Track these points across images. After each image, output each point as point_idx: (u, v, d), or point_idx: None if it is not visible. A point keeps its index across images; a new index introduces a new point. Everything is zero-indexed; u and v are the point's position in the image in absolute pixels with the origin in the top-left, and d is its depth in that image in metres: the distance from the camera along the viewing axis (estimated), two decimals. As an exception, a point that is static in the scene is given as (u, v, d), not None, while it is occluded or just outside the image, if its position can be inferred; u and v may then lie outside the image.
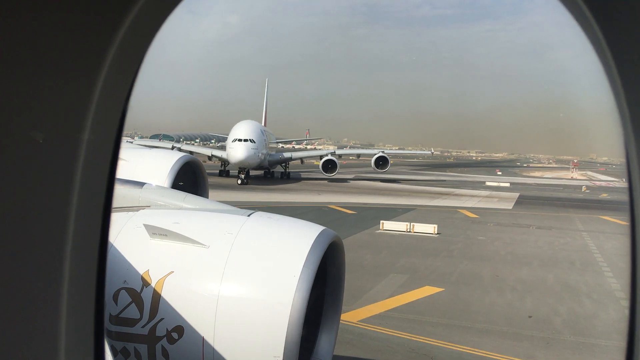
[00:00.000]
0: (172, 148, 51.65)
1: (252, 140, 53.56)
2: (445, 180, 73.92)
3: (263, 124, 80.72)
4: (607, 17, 1.39)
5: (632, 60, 1.38)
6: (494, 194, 57.42)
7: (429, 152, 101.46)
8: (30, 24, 1.48)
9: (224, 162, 62.89)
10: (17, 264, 1.61)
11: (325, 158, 61.54)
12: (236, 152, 52.71)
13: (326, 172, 60.30)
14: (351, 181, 64.34)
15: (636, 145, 1.42)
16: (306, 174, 69.62)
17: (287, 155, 66.55)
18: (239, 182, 53.38)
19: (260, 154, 55.25)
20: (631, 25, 1.36)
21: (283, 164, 63.03)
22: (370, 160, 66.13)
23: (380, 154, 65.07)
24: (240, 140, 53.20)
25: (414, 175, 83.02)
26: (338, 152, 68.57)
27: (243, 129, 55.18)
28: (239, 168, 54.40)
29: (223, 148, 75.34)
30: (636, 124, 1.40)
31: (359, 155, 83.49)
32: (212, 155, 63.27)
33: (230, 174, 62.52)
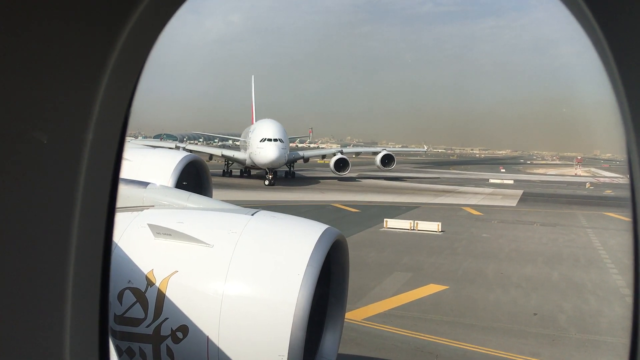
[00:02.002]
0: (176, 148, 51.24)
1: (280, 140, 52.63)
2: (439, 178, 73.68)
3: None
4: (606, 15, 1.39)
5: (632, 58, 1.38)
6: (497, 191, 57.33)
7: (424, 150, 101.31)
8: (33, 24, 1.49)
9: (228, 161, 62.66)
10: (22, 265, 1.61)
11: (337, 157, 60.76)
12: (267, 152, 51.44)
13: (338, 171, 59.71)
14: (362, 180, 64.04)
15: (637, 142, 1.42)
16: (311, 172, 69.57)
17: (300, 153, 66.11)
18: (267, 182, 52.49)
19: (287, 154, 54.67)
20: (631, 23, 1.36)
21: (288, 163, 62.78)
22: (374, 158, 65.73)
23: (385, 151, 64.85)
24: (270, 140, 52.03)
25: (417, 173, 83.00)
26: (346, 150, 68.02)
27: (271, 129, 54.04)
28: (267, 169, 53.23)
29: (228, 147, 74.92)
30: (637, 121, 1.40)
31: (358, 153, 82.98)
32: (222, 155, 62.33)
33: (233, 173, 62.51)
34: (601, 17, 1.39)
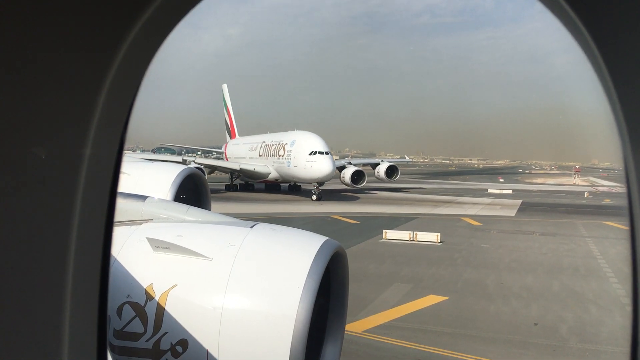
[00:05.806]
0: (183, 162, 50.33)
1: (329, 153, 51.37)
2: (438, 188, 73.72)
3: (231, 137, 79.80)
4: (599, 28, 1.40)
5: (625, 68, 1.39)
6: (496, 202, 57.34)
7: (406, 160, 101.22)
8: (31, 40, 1.50)
9: (233, 175, 61.98)
10: (19, 279, 1.61)
11: (352, 169, 59.05)
12: (321, 165, 49.67)
13: (355, 184, 58.31)
14: (377, 192, 63.72)
15: (633, 151, 1.43)
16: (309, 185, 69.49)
17: None
18: (315, 197, 51.17)
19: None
20: (622, 33, 1.37)
21: None
22: (375, 169, 65.34)
23: (388, 163, 64.69)
24: (321, 153, 50.42)
25: (416, 183, 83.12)
26: (353, 162, 67.15)
27: (319, 142, 52.26)
28: (316, 183, 51.76)
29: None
30: (632, 130, 1.41)
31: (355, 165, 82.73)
32: (240, 168, 60.71)
33: (239, 188, 62.07)
34: (593, 28, 1.41)
